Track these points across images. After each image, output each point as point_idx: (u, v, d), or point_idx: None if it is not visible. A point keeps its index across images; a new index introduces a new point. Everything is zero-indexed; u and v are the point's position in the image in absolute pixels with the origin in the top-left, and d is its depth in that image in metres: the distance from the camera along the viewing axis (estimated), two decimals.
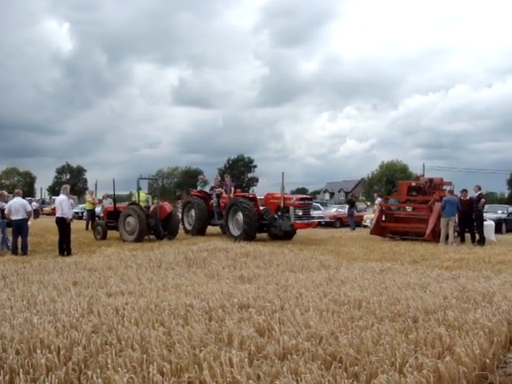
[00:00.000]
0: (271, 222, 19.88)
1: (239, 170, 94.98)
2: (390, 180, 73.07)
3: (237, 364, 4.55)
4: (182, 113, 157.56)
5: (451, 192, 20.73)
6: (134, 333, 5.52)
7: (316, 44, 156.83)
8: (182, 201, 27.84)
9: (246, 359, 4.71)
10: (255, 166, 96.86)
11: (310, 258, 12.85)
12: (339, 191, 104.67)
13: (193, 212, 22.69)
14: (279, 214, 19.48)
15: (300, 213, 19.47)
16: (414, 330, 5.76)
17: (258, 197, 21.52)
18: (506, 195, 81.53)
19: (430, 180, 21.83)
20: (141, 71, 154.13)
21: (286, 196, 19.84)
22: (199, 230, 22.22)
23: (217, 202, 22.20)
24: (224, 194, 22.02)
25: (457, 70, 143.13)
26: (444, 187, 21.88)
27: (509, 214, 31.55)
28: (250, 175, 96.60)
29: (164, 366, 4.54)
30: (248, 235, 19.19)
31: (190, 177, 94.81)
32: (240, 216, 19.62)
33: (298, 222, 19.34)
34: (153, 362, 4.67)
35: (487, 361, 5.18)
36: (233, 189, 22.68)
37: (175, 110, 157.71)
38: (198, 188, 24.00)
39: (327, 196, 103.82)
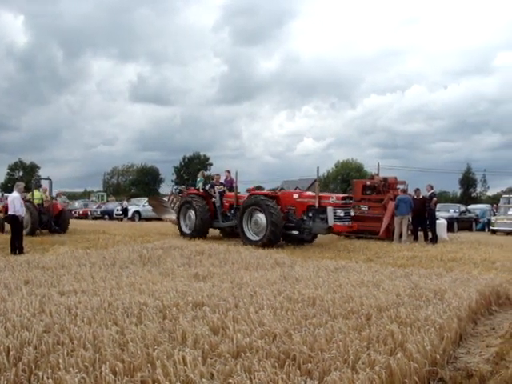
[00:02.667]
0: (298, 225, 17.44)
1: (195, 167, 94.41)
2: (345, 179, 73.74)
3: (190, 362, 4.53)
4: (140, 110, 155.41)
5: (404, 191, 21.06)
6: (86, 332, 5.44)
7: (276, 43, 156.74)
8: (170, 199, 25.32)
9: (200, 357, 4.70)
10: (211, 164, 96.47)
11: (264, 256, 12.87)
12: (295, 189, 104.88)
13: (192, 213, 20.01)
14: (310, 215, 17.27)
15: (342, 213, 17.01)
16: (366, 327, 5.81)
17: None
18: (458, 194, 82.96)
19: (385, 179, 22.08)
20: (98, 67, 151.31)
21: (321, 195, 17.51)
22: (201, 233, 19.48)
23: (220, 202, 19.86)
24: (228, 193, 20.00)
25: (413, 71, 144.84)
26: (398, 186, 22.16)
27: (461, 213, 32.23)
28: (205, 173, 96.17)
29: (117, 366, 4.50)
30: (273, 240, 16.90)
31: (146, 174, 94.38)
32: (261, 218, 17.29)
33: (338, 223, 16.96)
34: (105, 361, 4.61)
35: (438, 356, 5.30)
36: (234, 186, 20.25)
37: (133, 106, 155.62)
38: (199, 185, 21.27)
39: None
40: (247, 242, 17.27)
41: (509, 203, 39.29)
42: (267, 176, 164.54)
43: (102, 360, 4.66)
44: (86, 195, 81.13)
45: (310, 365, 4.62)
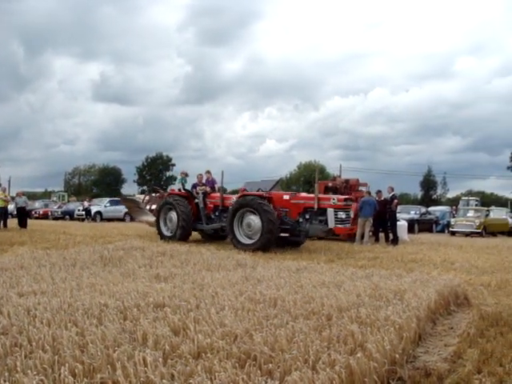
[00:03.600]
0: (293, 227, 16.73)
1: (157, 168, 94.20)
2: (308, 180, 74.10)
3: (151, 363, 4.50)
4: (102, 109, 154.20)
5: (369, 193, 21.29)
6: (45, 334, 5.35)
7: (240, 44, 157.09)
8: (145, 199, 25.06)
9: (161, 358, 4.68)
10: (173, 165, 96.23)
11: (226, 257, 12.86)
12: (257, 191, 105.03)
13: (173, 215, 19.10)
14: (307, 217, 16.70)
15: (343, 215, 16.44)
16: (327, 328, 5.84)
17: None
18: (419, 196, 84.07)
19: (347, 181, 22.35)
20: (60, 65, 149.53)
21: (321, 196, 17.08)
22: (183, 236, 18.70)
23: (204, 203, 19.10)
24: (212, 193, 19.42)
25: (376, 74, 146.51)
26: (360, 188, 22.40)
27: (421, 215, 32.71)
28: (168, 174, 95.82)
29: (76, 367, 4.44)
30: (268, 244, 16.19)
31: (107, 175, 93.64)
32: (254, 220, 16.54)
33: (340, 226, 16.35)
34: (64, 363, 4.54)
35: (397, 356, 5.33)
36: (216, 187, 20.05)
37: (95, 106, 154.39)
38: (178, 185, 20.55)
39: None
40: (239, 245, 16.49)
41: (468, 205, 40.11)
42: (229, 177, 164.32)
43: (61, 362, 4.60)
44: (46, 195, 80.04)
45: (270, 365, 4.63)
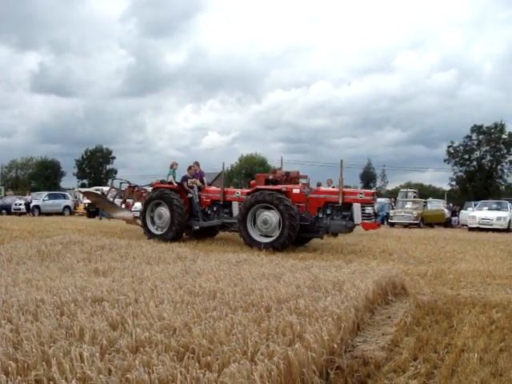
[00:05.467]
0: (312, 223, 15.80)
1: (97, 161, 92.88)
2: (249, 173, 74.33)
3: (87, 359, 4.43)
4: (41, 100, 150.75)
5: (307, 185, 21.42)
6: None
7: (183, 36, 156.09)
8: (111, 193, 22.54)
9: (98, 353, 4.60)
10: (114, 158, 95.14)
11: (166, 250, 12.80)
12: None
13: (163, 211, 17.65)
14: (328, 212, 15.79)
15: (371, 211, 15.82)
16: (266, 319, 5.85)
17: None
18: (359, 189, 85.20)
19: (287, 173, 22.42)
20: None
21: (346, 190, 16.13)
22: (178, 234, 17.53)
23: (198, 198, 17.85)
24: (210, 187, 18.70)
25: (319, 68, 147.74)
26: (300, 180, 22.53)
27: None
28: (108, 167, 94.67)
29: (9, 365, 4.33)
30: (289, 241, 15.24)
31: (46, 168, 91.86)
32: (271, 216, 15.48)
33: (367, 221, 15.60)
34: None
35: (335, 346, 5.43)
36: (205, 180, 19.01)
37: (33, 97, 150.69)
38: (169, 178, 18.81)
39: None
40: (255, 244, 15.41)
41: (406, 197, 40.88)
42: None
43: None
44: None
45: (209, 357, 4.61)
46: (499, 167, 70.82)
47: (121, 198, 21.74)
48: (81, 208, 44.08)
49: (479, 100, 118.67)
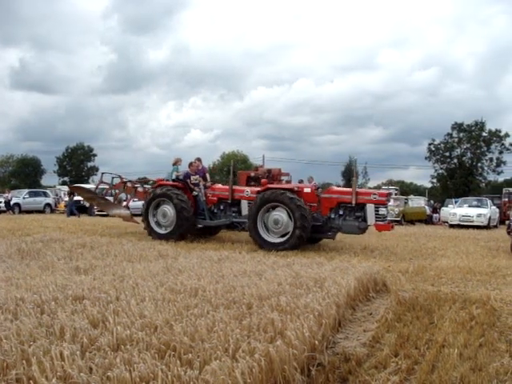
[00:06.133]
0: (324, 223, 15.44)
1: (78, 158, 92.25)
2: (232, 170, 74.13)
3: (68, 357, 4.40)
4: (21, 97, 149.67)
5: (288, 182, 21.45)
6: None
7: (165, 33, 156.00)
8: (97, 188, 21.88)
9: (78, 352, 4.58)
10: (95, 155, 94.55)
11: (148, 248, 12.75)
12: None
13: (167, 209, 16.89)
14: (340, 212, 15.35)
15: (385, 211, 15.44)
16: (247, 316, 5.86)
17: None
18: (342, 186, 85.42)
19: (269, 171, 22.37)
20: None
21: (359, 191, 15.67)
22: (184, 233, 16.84)
23: (204, 195, 17.17)
24: (217, 185, 17.88)
25: (301, 65, 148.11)
26: (282, 178, 22.53)
27: None
28: (89, 164, 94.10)
29: None
30: (301, 242, 14.87)
31: (26, 165, 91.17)
32: (282, 216, 15.01)
33: (380, 223, 15.16)
34: None
35: (316, 342, 5.44)
36: (208, 176, 18.53)
37: (14, 94, 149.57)
38: (173, 175, 18.35)
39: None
40: (266, 245, 14.91)
41: None
42: (153, 167, 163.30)
43: None
44: None
45: (190, 355, 4.60)
46: (479, 165, 71.36)
47: (111, 195, 21.60)
48: (62, 206, 43.90)
49: (460, 98, 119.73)
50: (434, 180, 75.19)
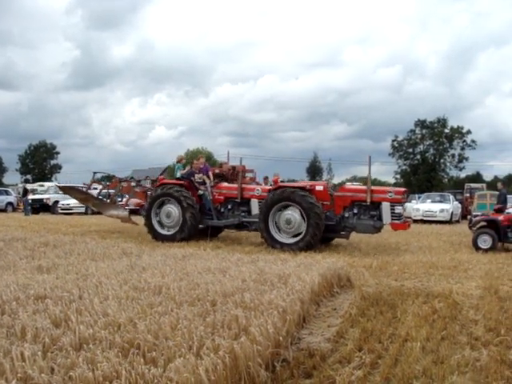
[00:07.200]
0: (338, 223, 15.05)
1: (41, 156, 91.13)
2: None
3: (29, 358, 4.34)
4: None
5: (253, 179, 21.48)
6: None
7: (130, 29, 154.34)
8: (90, 188, 21.06)
9: (40, 352, 4.52)
10: (58, 153, 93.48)
11: (112, 246, 12.64)
12: (145, 178, 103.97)
13: (172, 209, 16.22)
14: (355, 211, 14.96)
15: (401, 210, 15.02)
16: (211, 313, 5.84)
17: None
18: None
19: (233, 167, 22.37)
20: None
21: (375, 189, 15.14)
22: (191, 234, 16.10)
23: (211, 194, 16.63)
24: (224, 183, 17.36)
25: (266, 62, 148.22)
26: (246, 174, 22.54)
27: None
28: (52, 162, 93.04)
29: None
30: (315, 241, 14.40)
31: None
32: (295, 216, 14.55)
33: (396, 222, 14.83)
34: None
35: (281, 338, 5.45)
36: (211, 174, 17.79)
37: None
38: (178, 173, 17.96)
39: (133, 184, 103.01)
40: (277, 245, 14.52)
41: None
42: (117, 165, 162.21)
43: None
44: None
45: (154, 353, 4.57)
46: (442, 161, 72.58)
47: (105, 196, 21.23)
48: (21, 205, 43.28)
49: (423, 95, 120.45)
50: (398, 176, 76.16)
